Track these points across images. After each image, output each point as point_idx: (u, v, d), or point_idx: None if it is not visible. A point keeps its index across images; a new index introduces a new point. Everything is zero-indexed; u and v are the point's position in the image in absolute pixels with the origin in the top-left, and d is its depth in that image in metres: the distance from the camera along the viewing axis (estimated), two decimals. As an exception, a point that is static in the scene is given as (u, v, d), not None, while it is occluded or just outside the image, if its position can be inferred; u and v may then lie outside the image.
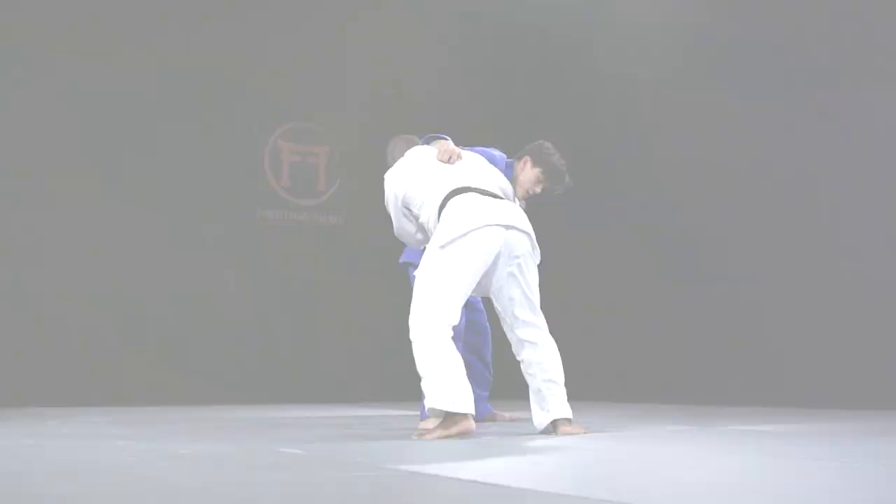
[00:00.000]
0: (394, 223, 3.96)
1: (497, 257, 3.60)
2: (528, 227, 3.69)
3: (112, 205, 6.76)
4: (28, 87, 6.58)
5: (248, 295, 7.18)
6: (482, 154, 4.16)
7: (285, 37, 7.53)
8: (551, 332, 3.77)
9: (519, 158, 4.30)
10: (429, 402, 3.47)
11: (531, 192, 4.27)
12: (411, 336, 3.53)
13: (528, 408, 3.71)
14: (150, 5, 7.02)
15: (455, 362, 3.48)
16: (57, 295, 6.52)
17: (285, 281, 7.35)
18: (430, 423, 3.94)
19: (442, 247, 3.53)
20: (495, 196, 3.73)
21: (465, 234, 3.52)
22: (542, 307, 3.78)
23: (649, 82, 7.56)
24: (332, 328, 7.47)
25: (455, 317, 3.55)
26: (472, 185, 3.70)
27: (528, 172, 4.23)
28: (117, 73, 6.84)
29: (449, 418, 3.43)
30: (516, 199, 4.13)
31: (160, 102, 6.98)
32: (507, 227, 3.59)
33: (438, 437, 3.42)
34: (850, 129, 6.11)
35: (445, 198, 3.66)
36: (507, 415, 4.77)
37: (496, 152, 4.31)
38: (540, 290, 3.78)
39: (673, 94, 7.34)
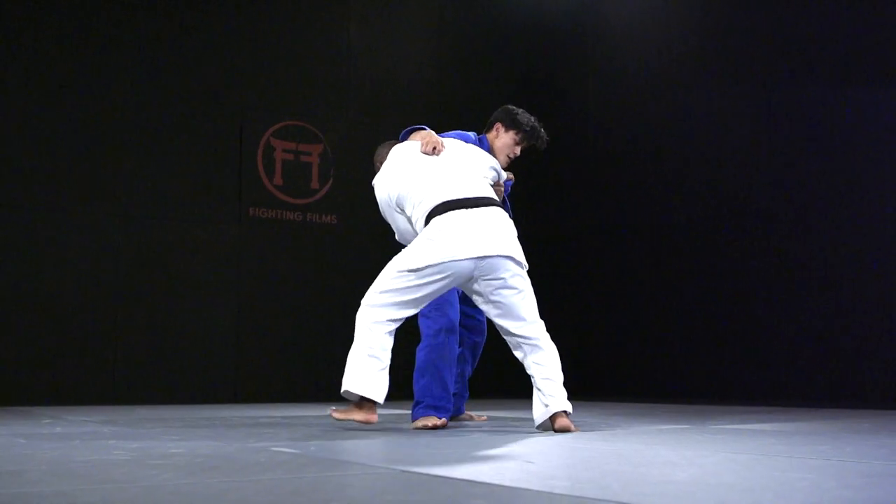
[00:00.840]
0: (394, 229, 4.01)
1: (471, 280, 3.72)
2: (509, 248, 3.73)
3: (104, 204, 6.75)
4: (21, 84, 6.57)
5: (241, 294, 7.18)
6: (459, 138, 4.20)
7: (279, 35, 7.53)
8: (549, 330, 3.81)
9: (489, 129, 4.39)
10: (346, 384, 3.68)
11: (512, 157, 4.38)
12: (356, 318, 3.73)
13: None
14: (144, 1, 7.02)
15: (380, 354, 3.66)
16: (49, 294, 6.52)
17: (278, 280, 7.35)
18: (421, 423, 3.96)
19: (411, 270, 3.66)
20: (483, 202, 3.77)
21: (437, 264, 3.64)
22: (539, 305, 3.82)
23: (646, 78, 7.57)
24: (327, 327, 7.46)
25: (398, 320, 3.72)
26: (460, 196, 3.75)
27: (503, 138, 4.34)
28: (111, 70, 6.83)
29: (363, 403, 3.70)
30: (502, 176, 4.17)
31: (152, 100, 6.98)
32: (482, 258, 3.66)
33: (344, 418, 3.73)
34: (848, 129, 6.12)
35: (433, 211, 3.73)
36: (479, 416, 4.81)
37: (469, 133, 4.37)
38: (535, 288, 3.82)
39: (668, 90, 7.36)
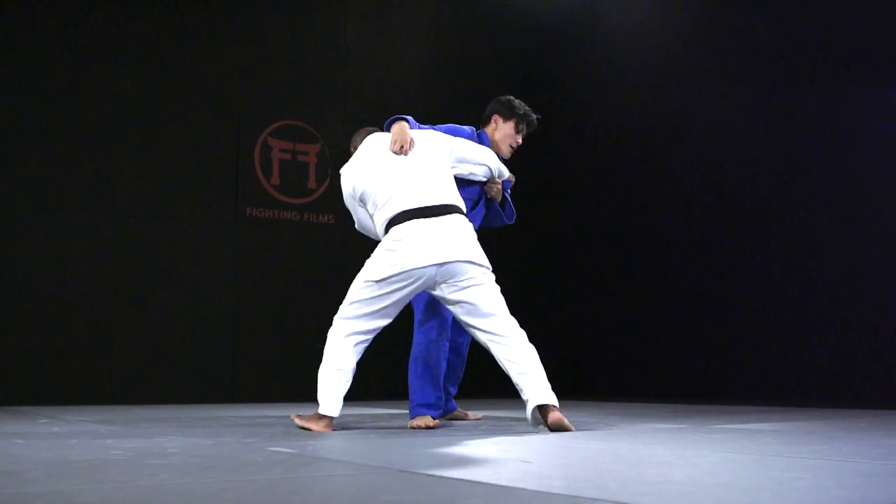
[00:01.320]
0: (354, 218, 4.16)
1: (436, 285, 3.82)
2: (469, 253, 3.80)
3: (102, 204, 6.74)
4: (20, 84, 6.56)
5: (238, 294, 7.17)
6: (448, 132, 4.20)
7: (277, 35, 7.52)
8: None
9: (487, 123, 4.43)
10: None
11: (514, 146, 4.45)
12: (329, 331, 3.96)
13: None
14: (142, 1, 7.01)
15: (342, 369, 3.84)
16: (46, 294, 6.51)
17: (276, 280, 7.34)
18: (417, 423, 3.98)
19: (375, 281, 3.81)
20: (443, 210, 3.84)
21: (399, 273, 3.77)
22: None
23: (645, 78, 7.57)
24: (324, 327, 7.45)
25: (370, 330, 3.92)
26: (420, 204, 3.82)
27: (503, 128, 4.41)
28: (109, 70, 6.82)
29: (318, 415, 3.85)
30: (495, 171, 4.24)
31: (150, 100, 6.97)
32: (442, 264, 3.75)
33: (303, 425, 3.87)
34: (847, 129, 6.13)
35: (393, 219, 3.83)
36: (475, 414, 4.79)
37: (465, 127, 4.38)
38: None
39: (667, 90, 7.36)
